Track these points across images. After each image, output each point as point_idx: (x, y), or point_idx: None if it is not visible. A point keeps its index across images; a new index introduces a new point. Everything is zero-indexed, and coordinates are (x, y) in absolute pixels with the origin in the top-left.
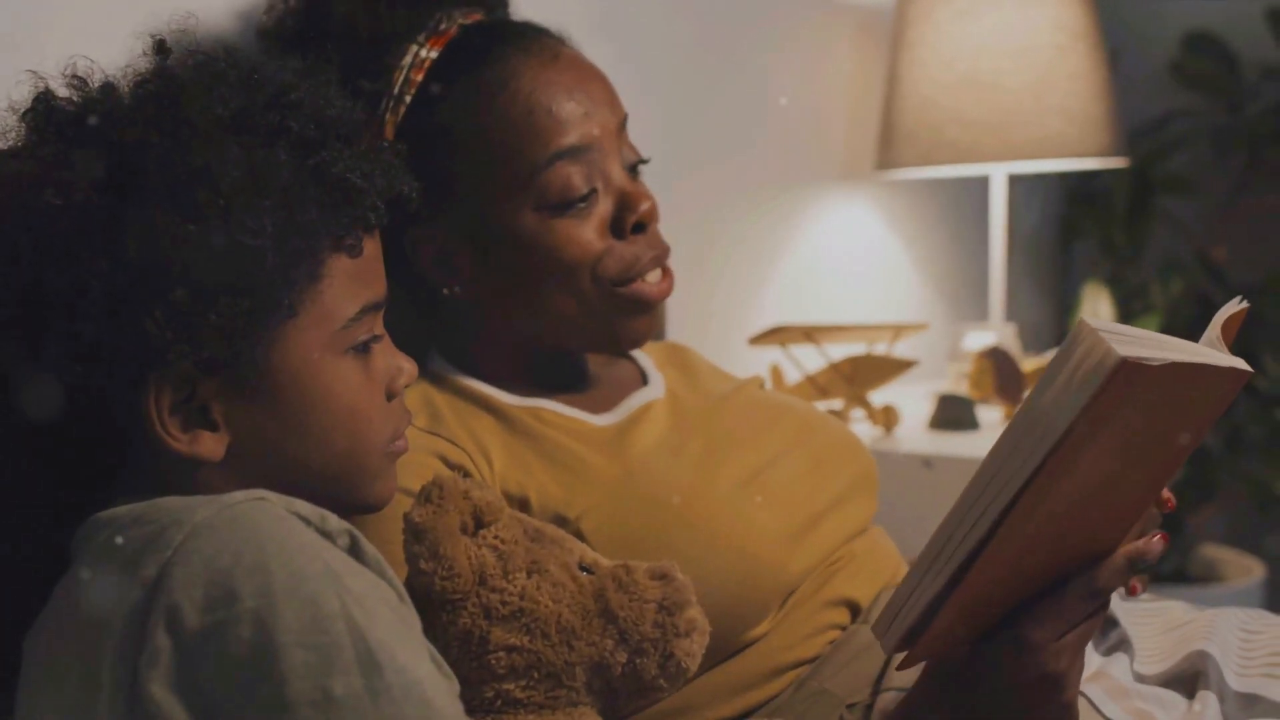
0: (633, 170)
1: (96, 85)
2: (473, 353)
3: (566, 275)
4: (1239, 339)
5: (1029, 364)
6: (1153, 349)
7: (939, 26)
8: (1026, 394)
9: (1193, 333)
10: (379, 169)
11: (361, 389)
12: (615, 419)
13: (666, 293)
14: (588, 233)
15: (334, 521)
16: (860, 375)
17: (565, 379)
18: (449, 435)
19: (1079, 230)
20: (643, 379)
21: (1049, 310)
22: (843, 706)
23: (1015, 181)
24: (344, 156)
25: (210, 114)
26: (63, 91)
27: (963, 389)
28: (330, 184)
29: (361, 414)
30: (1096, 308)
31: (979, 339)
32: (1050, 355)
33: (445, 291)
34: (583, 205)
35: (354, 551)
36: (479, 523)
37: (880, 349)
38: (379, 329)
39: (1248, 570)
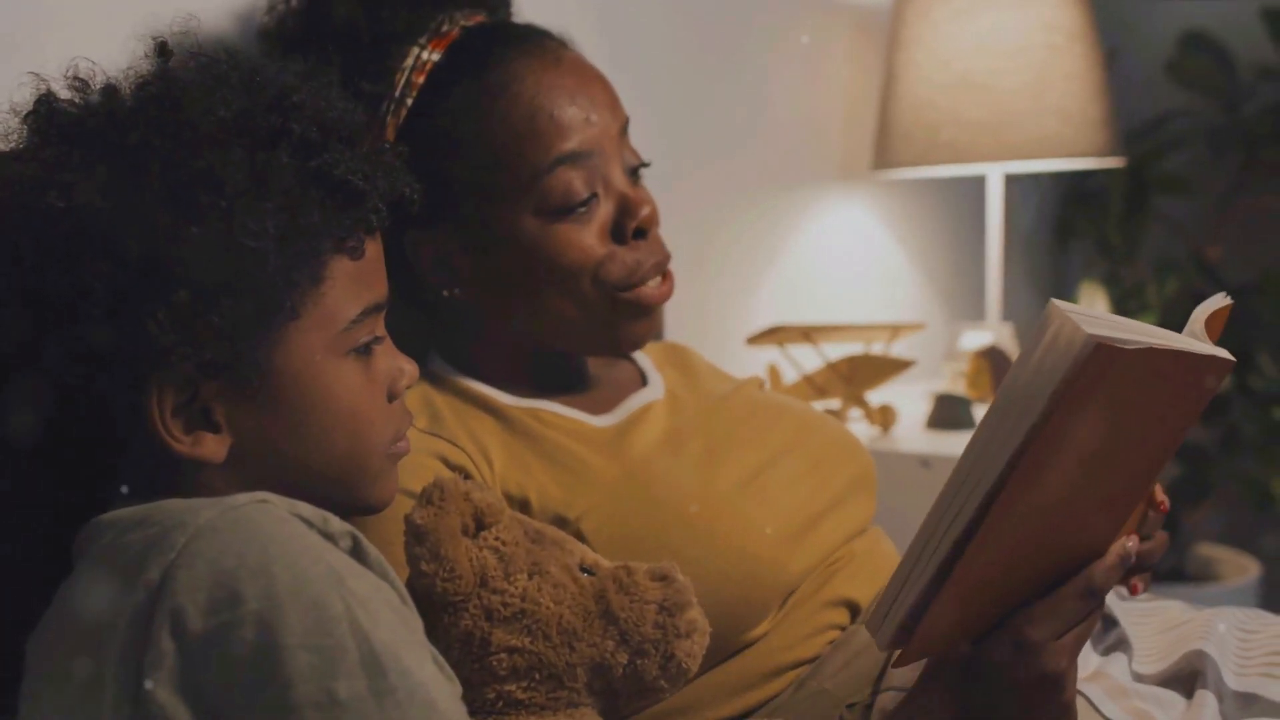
0: (633, 174)
1: (98, 88)
2: (472, 354)
3: (567, 279)
4: (1235, 338)
5: None
6: (1127, 333)
7: (936, 27)
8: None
9: None
10: (380, 171)
11: (363, 390)
12: (615, 420)
13: (667, 296)
14: (588, 237)
15: (336, 523)
16: (858, 375)
17: (565, 380)
18: (449, 436)
19: (1075, 230)
20: (642, 380)
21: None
22: (842, 706)
23: (1012, 181)
24: (346, 158)
25: (212, 116)
26: (65, 94)
27: (960, 388)
28: (332, 186)
29: (363, 415)
30: (1093, 307)
31: (976, 339)
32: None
33: (445, 293)
34: (583, 210)
35: (356, 553)
36: (480, 524)
37: (877, 349)
38: (380, 330)
39: (1243, 569)
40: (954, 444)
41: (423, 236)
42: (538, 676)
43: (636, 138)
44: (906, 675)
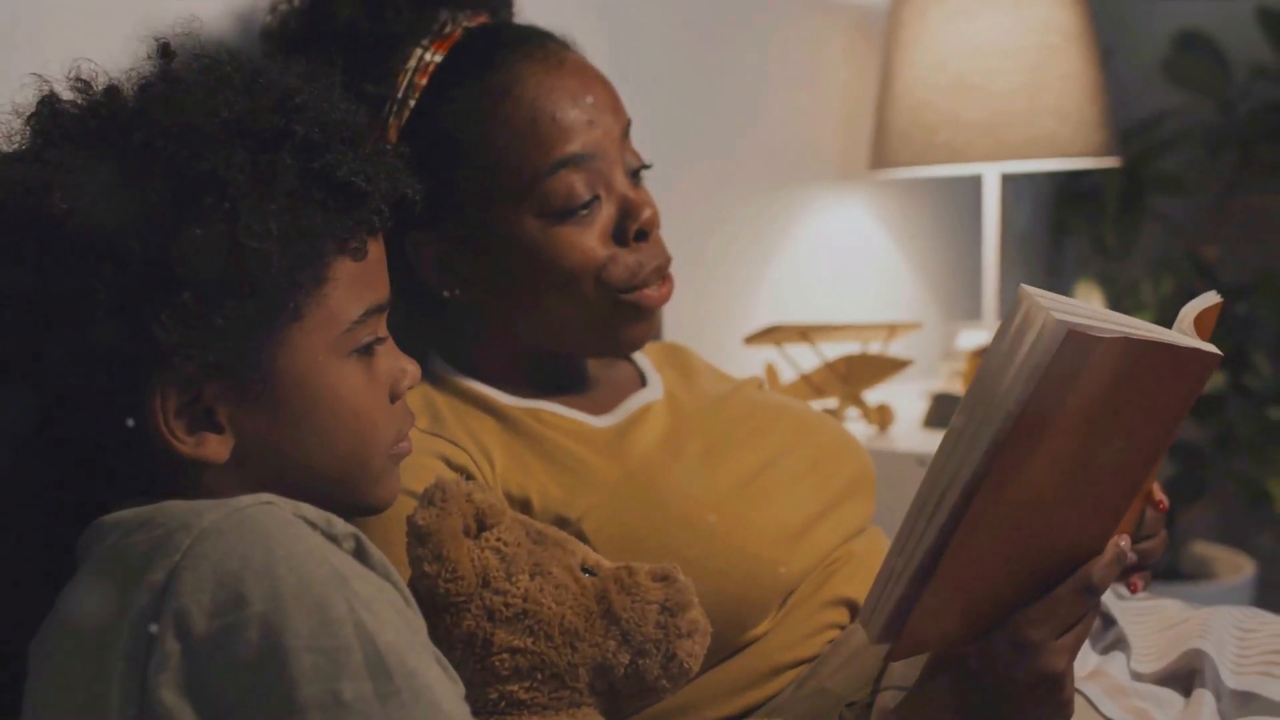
0: (635, 176)
1: (101, 89)
2: (473, 354)
3: (568, 282)
4: (1231, 338)
5: None
6: (1105, 323)
7: (932, 27)
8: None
9: None
10: (383, 172)
11: (365, 391)
12: (615, 420)
13: (667, 298)
14: (590, 240)
15: (339, 525)
16: (855, 374)
17: (565, 380)
18: (450, 437)
19: (1071, 229)
20: (641, 380)
21: None
22: (842, 705)
23: (1008, 181)
24: (348, 160)
25: (215, 118)
26: (67, 95)
27: (956, 388)
28: (335, 187)
29: (365, 416)
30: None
31: (972, 338)
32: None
33: (446, 294)
34: (585, 213)
35: (359, 555)
36: (481, 525)
37: (875, 348)
38: (383, 331)
39: (1238, 567)
40: None
41: (424, 237)
42: (540, 677)
43: (635, 137)
44: (906, 674)
